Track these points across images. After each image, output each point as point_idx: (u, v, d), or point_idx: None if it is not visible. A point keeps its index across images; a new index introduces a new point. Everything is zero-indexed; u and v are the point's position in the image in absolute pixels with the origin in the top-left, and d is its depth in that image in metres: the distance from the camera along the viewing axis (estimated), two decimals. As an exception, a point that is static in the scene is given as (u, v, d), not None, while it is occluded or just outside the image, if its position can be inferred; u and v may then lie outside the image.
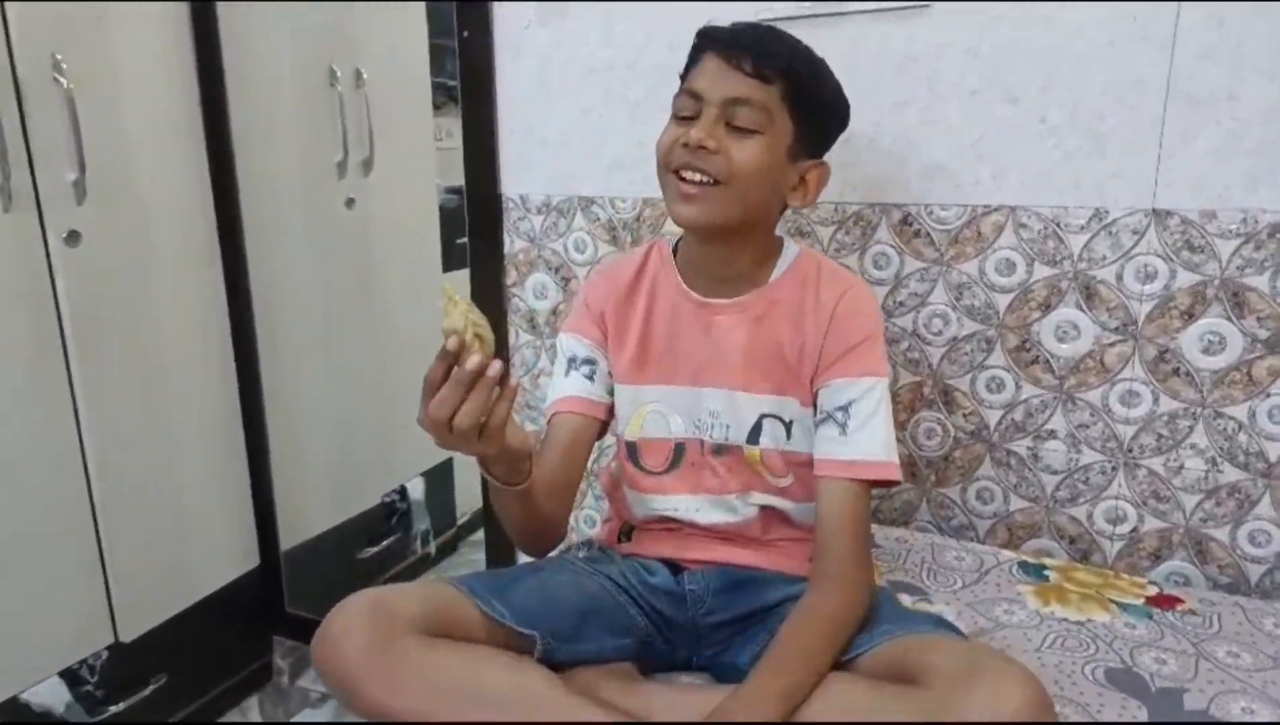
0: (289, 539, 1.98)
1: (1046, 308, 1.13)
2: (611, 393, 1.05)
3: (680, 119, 0.93)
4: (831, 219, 1.23)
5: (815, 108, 0.93)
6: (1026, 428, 1.18)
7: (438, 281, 1.48)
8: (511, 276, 1.49)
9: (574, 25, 1.33)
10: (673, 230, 1.34)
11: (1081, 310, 1.12)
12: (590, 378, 1.03)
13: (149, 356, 1.62)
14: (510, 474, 0.87)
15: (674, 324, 1.02)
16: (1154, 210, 1.06)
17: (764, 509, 1.00)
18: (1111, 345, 1.11)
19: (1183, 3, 1.00)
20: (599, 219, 1.39)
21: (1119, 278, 1.09)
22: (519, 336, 1.52)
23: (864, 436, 0.90)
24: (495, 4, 1.37)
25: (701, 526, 1.01)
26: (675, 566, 1.00)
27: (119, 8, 1.49)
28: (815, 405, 0.97)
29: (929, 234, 1.17)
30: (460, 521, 2.49)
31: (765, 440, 0.99)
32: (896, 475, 0.92)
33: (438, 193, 2.25)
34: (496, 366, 0.76)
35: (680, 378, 1.02)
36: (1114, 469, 1.15)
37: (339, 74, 1.91)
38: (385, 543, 2.25)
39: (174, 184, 1.64)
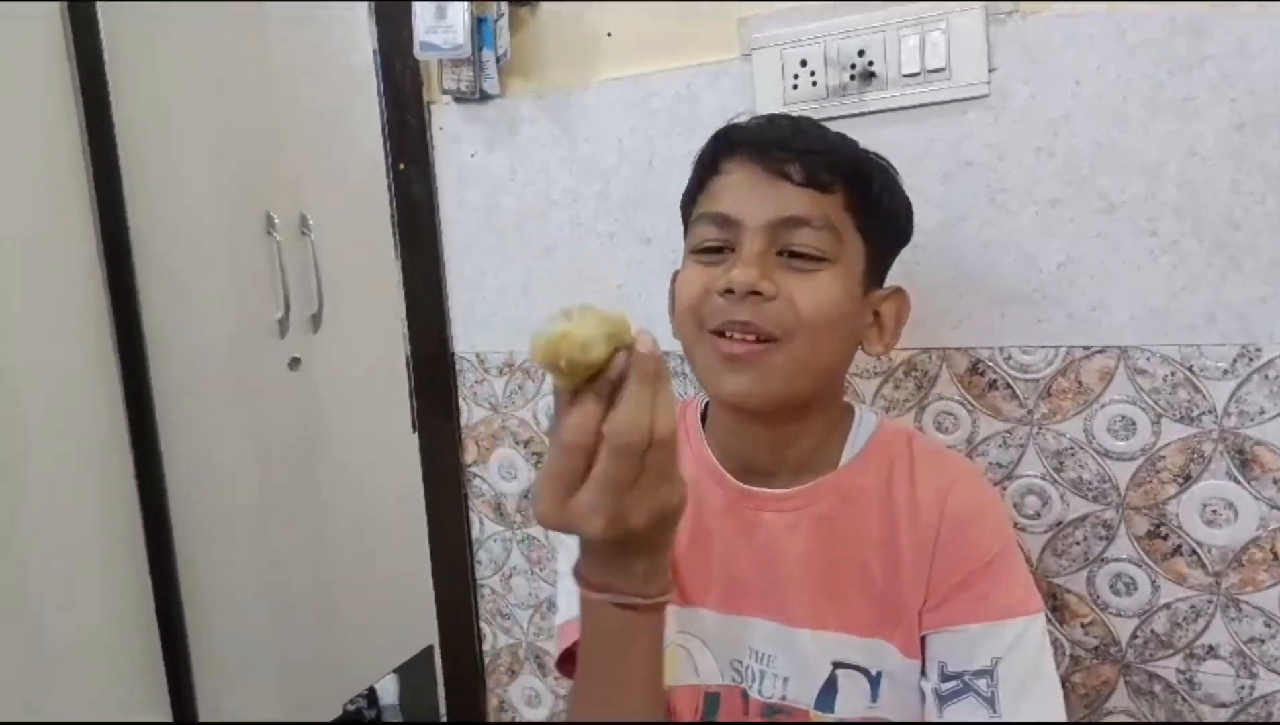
0: (221, 776, 1.61)
1: (1185, 479, 0.83)
2: None
3: (705, 254, 0.69)
4: (874, 369, 0.94)
5: (887, 218, 0.69)
6: (1174, 643, 0.86)
7: (409, 447, 1.21)
8: (471, 453, 1.20)
9: (529, 150, 1.08)
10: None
11: (1237, 482, 0.81)
12: None
13: (32, 553, 1.31)
14: (657, 573, 0.55)
15: (703, 520, 0.73)
16: (1327, 344, 0.77)
17: None
18: (1285, 528, 0.80)
19: (1331, 69, 0.74)
20: (574, 380, 1.10)
21: (1286, 436, 0.79)
22: (484, 527, 1.21)
23: (1029, 709, 0.58)
24: (435, 130, 1.13)
25: None
26: None
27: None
28: (924, 657, 0.67)
29: (1009, 385, 0.88)
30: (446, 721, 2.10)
31: (844, 705, 0.68)
32: None
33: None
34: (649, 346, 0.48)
35: (711, 598, 0.73)
36: (1308, 700, 0.82)
37: (276, 221, 1.68)
38: (349, 762, 1.87)
39: (69, 351, 1.38)
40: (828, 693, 0.70)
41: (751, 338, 0.64)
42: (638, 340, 0.48)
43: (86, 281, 1.40)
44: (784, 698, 0.71)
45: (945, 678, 0.66)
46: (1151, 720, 0.87)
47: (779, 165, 0.65)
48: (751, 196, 0.66)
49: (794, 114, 0.74)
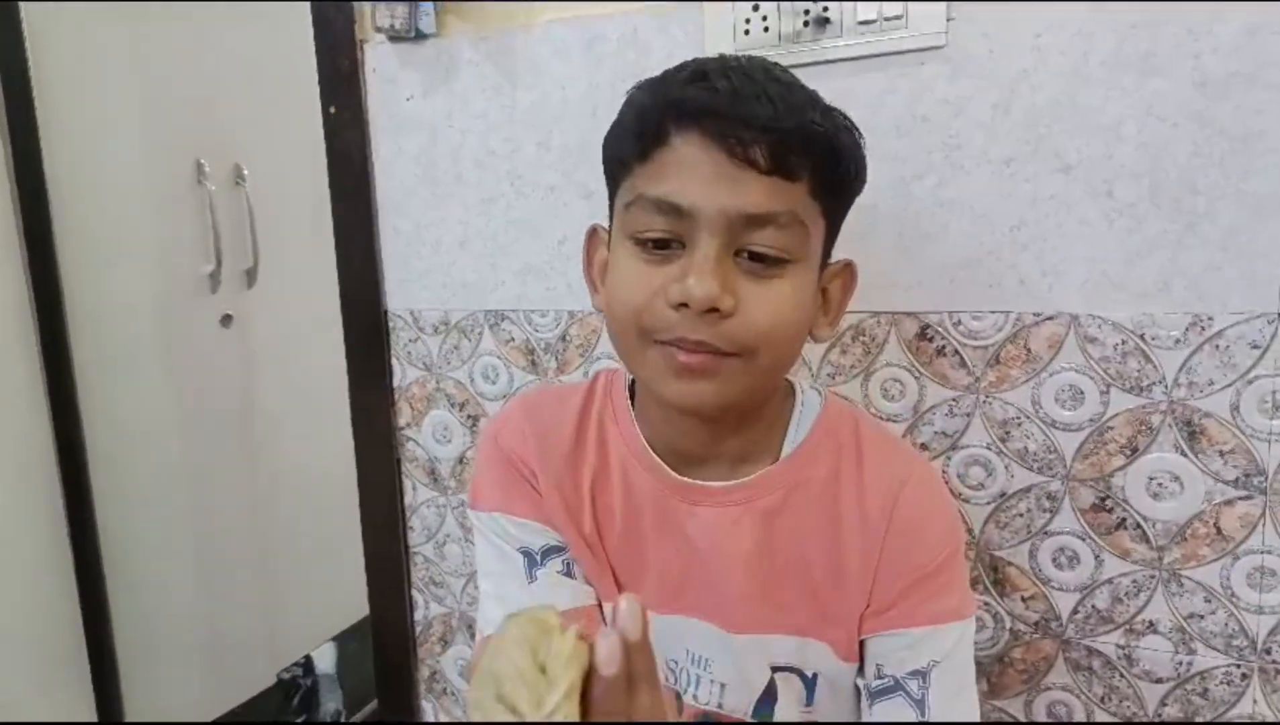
0: (145, 747, 1.56)
1: (1132, 452, 0.81)
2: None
3: (647, 246, 0.58)
4: (821, 334, 0.90)
5: (852, 190, 0.62)
6: (1114, 618, 0.84)
7: (343, 406, 1.15)
8: (404, 415, 1.14)
9: (467, 95, 1.02)
10: (606, 352, 1.02)
11: (1184, 455, 0.79)
12: (567, 572, 0.68)
13: None
14: None
15: (635, 508, 0.67)
16: (1280, 314, 0.75)
17: None
18: (1230, 503, 0.78)
19: (1296, 28, 0.71)
20: (512, 339, 1.05)
21: (1235, 409, 0.77)
22: (416, 492, 1.15)
23: (959, 712, 0.55)
24: (368, 72, 1.06)
25: None
26: None
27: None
28: (862, 655, 0.64)
29: (958, 351, 0.85)
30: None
31: (783, 711, 0.65)
32: None
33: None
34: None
35: (648, 595, 0.66)
36: (1244, 677, 0.80)
37: (207, 169, 1.59)
38: (283, 732, 1.81)
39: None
40: (766, 701, 0.66)
41: (706, 351, 0.57)
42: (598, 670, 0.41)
43: (4, 235, 1.31)
44: (720, 705, 0.67)
45: (879, 676, 0.64)
46: (1155, 721, 0.86)
47: (744, 149, 0.55)
48: (710, 185, 0.55)
49: (751, 56, 0.60)
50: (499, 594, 0.69)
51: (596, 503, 0.68)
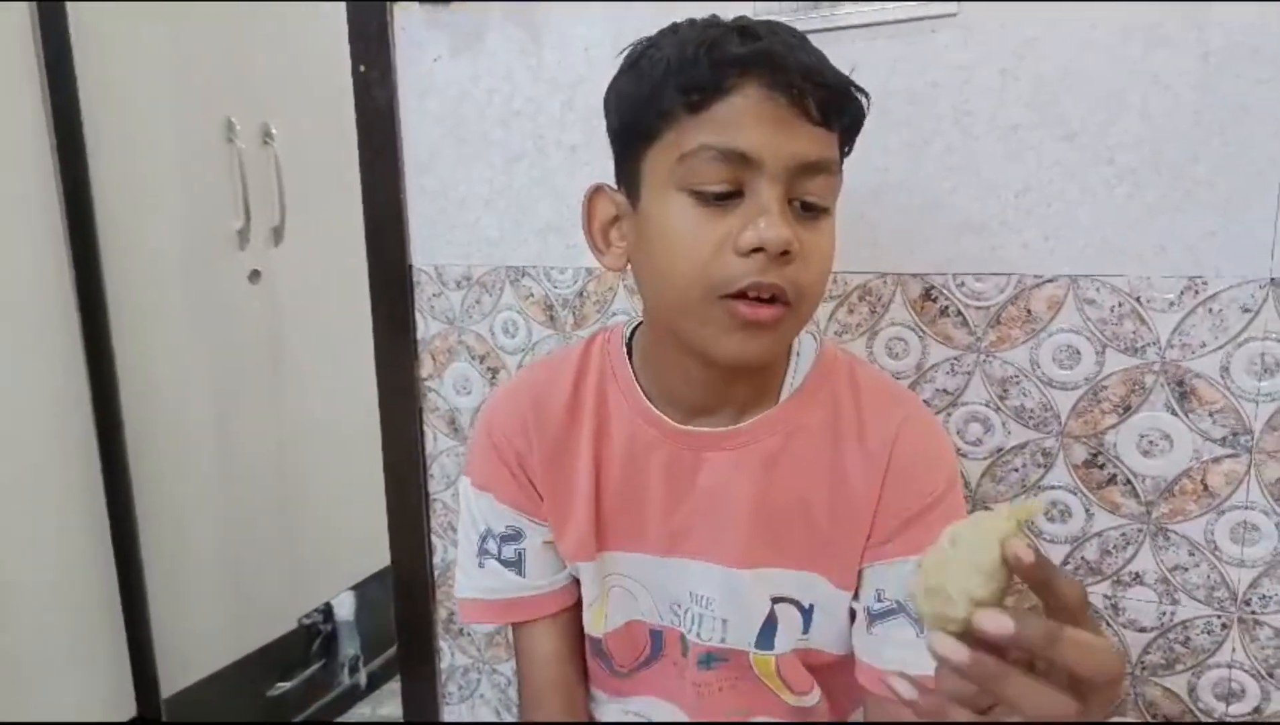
0: (175, 681, 1.64)
1: (1125, 410, 0.84)
2: (557, 568, 0.75)
3: (708, 199, 0.58)
4: (829, 293, 0.94)
5: (853, 146, 0.65)
6: (1103, 569, 0.88)
7: (371, 363, 1.20)
8: (426, 367, 1.19)
9: (494, 55, 1.05)
10: (623, 308, 1.06)
11: (1174, 414, 0.82)
12: (517, 566, 0.73)
13: None
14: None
15: (637, 462, 0.70)
16: (1272, 280, 0.77)
17: None
18: (1217, 461, 0.82)
19: (1299, 1, 0.73)
20: (532, 295, 1.09)
21: (1225, 370, 0.80)
22: (437, 441, 1.20)
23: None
24: (397, 32, 1.09)
25: None
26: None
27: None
28: (860, 582, 0.68)
29: (960, 312, 0.88)
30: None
31: (783, 641, 0.69)
32: None
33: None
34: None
35: (650, 543, 0.71)
36: (1224, 627, 0.84)
37: (239, 128, 1.63)
38: (303, 675, 1.89)
39: (21, 260, 1.34)
40: (767, 631, 0.70)
41: (771, 301, 0.58)
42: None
43: (39, 188, 1.36)
44: (723, 640, 0.71)
45: (880, 600, 0.67)
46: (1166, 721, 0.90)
47: (801, 98, 0.56)
48: (773, 133, 0.56)
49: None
50: (464, 565, 0.76)
51: (598, 459, 0.71)
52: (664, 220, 0.60)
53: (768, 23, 0.61)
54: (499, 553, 0.73)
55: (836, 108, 0.59)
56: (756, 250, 0.57)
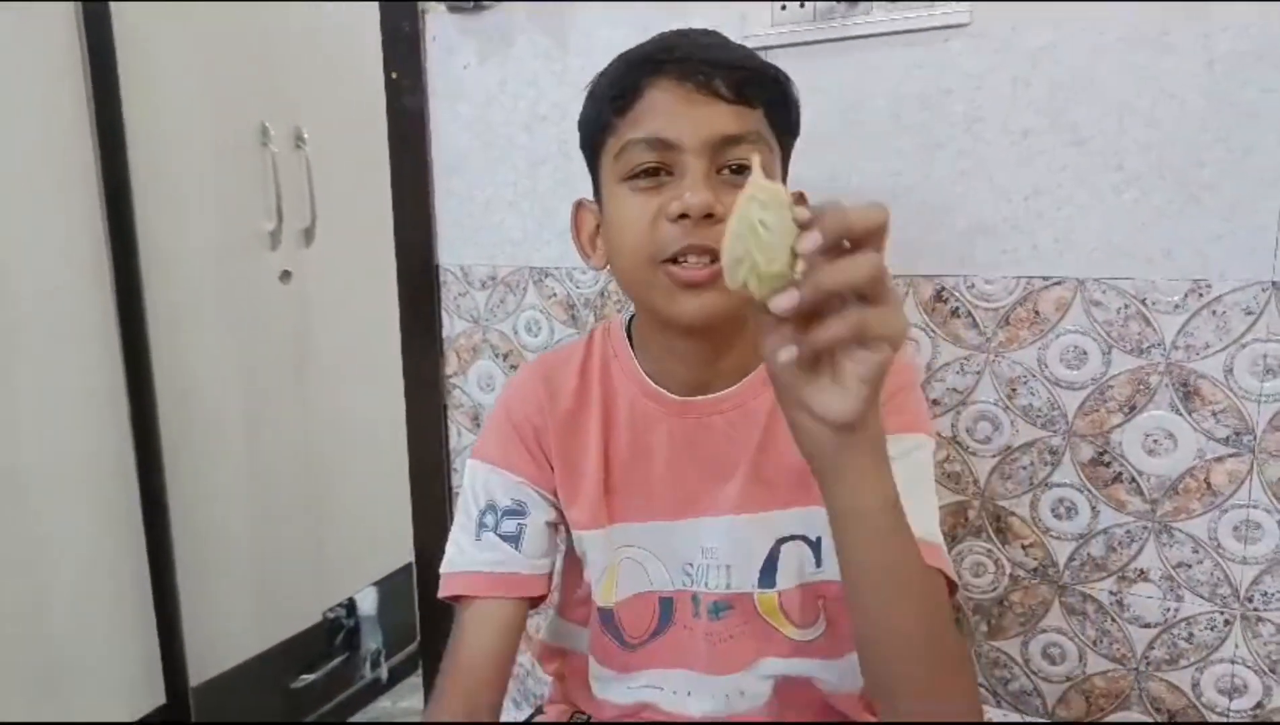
0: (202, 671, 1.68)
1: (1131, 410, 0.86)
2: (548, 553, 0.77)
3: (641, 180, 0.66)
4: (843, 295, 0.96)
5: (794, 125, 0.71)
6: (1108, 566, 0.90)
7: (399, 363, 1.23)
8: (452, 364, 1.23)
9: (520, 60, 1.09)
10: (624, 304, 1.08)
11: (1179, 413, 0.84)
12: (515, 539, 0.75)
13: (22, 459, 1.34)
14: None
15: (643, 438, 0.75)
16: (1275, 283, 0.79)
17: (782, 682, 0.74)
18: (1220, 460, 0.84)
19: (1303, 12, 0.76)
20: (554, 294, 1.13)
21: (1228, 371, 0.82)
22: (461, 436, 1.24)
23: (911, 507, 0.60)
24: (428, 40, 1.14)
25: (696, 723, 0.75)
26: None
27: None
28: None
29: (970, 313, 0.91)
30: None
31: (784, 577, 0.72)
32: (952, 572, 0.65)
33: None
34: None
35: (660, 510, 0.75)
36: (1228, 623, 0.86)
37: (272, 133, 1.68)
38: (326, 668, 1.93)
39: (63, 259, 1.40)
40: (768, 570, 0.73)
41: (707, 260, 0.64)
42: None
43: (82, 192, 1.41)
44: (729, 586, 0.74)
45: None
46: (1164, 722, 0.92)
47: (708, 82, 0.64)
48: (687, 116, 0.64)
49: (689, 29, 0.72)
50: (457, 540, 0.77)
51: (609, 447, 0.76)
52: (614, 212, 0.69)
53: (684, 30, 0.71)
54: (497, 527, 0.75)
55: (748, 85, 0.65)
56: (683, 216, 0.63)
